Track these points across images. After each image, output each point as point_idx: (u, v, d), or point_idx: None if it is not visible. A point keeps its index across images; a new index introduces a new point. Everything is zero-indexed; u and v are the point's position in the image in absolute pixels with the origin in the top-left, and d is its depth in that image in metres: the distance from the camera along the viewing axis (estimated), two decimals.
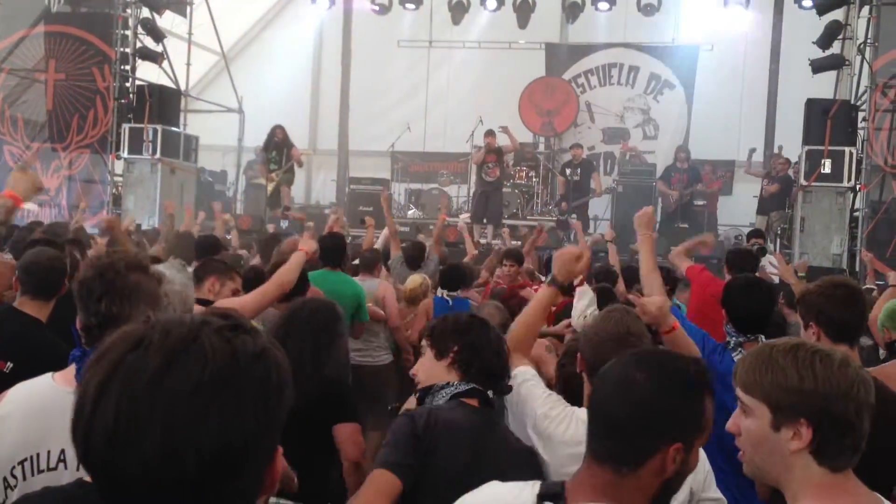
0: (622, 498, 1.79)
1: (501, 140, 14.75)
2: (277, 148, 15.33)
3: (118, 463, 1.11)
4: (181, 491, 1.12)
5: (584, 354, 2.94)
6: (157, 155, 14.19)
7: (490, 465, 2.51)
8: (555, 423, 2.83)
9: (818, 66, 13.32)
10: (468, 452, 2.69)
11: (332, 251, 6.76)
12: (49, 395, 2.35)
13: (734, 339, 3.98)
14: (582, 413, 2.82)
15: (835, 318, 3.04)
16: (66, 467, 2.26)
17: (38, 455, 2.27)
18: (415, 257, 8.58)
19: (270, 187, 15.57)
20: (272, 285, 4.47)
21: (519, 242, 14.61)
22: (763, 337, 3.92)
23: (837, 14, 13.45)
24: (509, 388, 2.96)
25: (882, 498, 1.93)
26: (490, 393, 2.92)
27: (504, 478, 2.00)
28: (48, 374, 2.45)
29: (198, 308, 4.17)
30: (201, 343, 1.15)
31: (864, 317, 3.12)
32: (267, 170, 15.57)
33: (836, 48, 13.26)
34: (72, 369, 2.38)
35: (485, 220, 14.73)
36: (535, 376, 3.06)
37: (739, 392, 1.94)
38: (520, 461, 2.73)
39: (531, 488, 1.89)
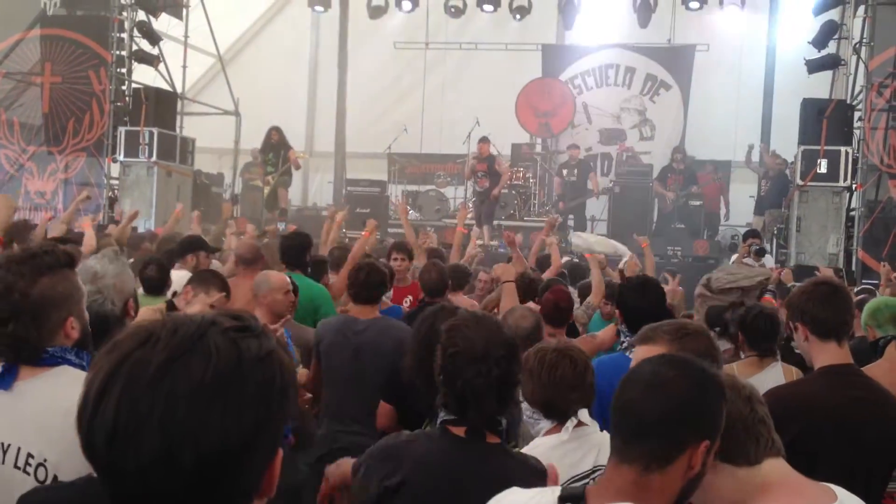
0: (645, 498, 1.79)
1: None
2: (274, 150, 15.33)
3: (117, 461, 1.12)
4: (178, 490, 1.12)
5: None
6: (154, 158, 14.16)
7: None
8: None
9: (814, 66, 13.34)
10: (441, 493, 2.49)
11: (294, 251, 6.49)
12: None
13: (627, 338, 4.12)
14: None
15: (819, 317, 3.06)
16: None
17: None
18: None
19: (267, 189, 15.57)
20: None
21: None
22: None
23: (833, 14, 13.47)
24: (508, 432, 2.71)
25: (831, 486, 1.99)
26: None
27: None
28: None
29: None
30: (206, 342, 1.16)
31: (849, 313, 3.13)
32: (264, 172, 15.58)
33: (831, 48, 13.28)
34: None
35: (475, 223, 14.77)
36: None
37: None
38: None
39: (551, 493, 1.90)
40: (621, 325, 4.36)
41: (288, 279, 5.22)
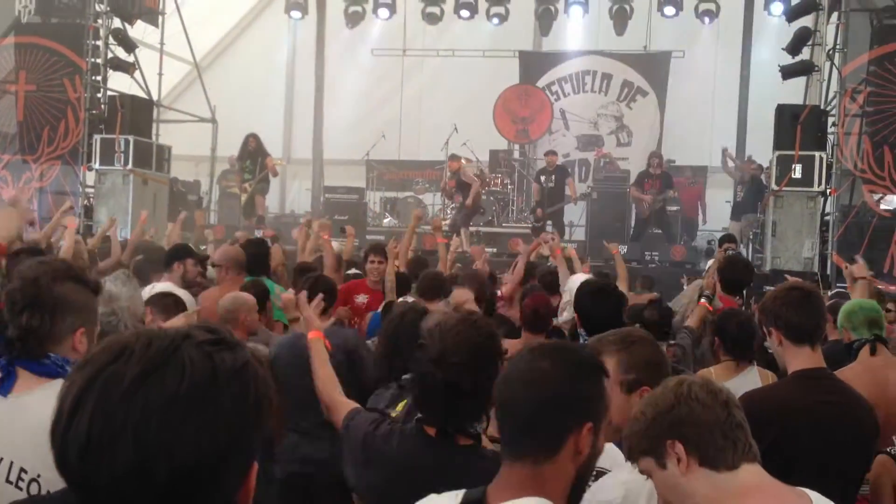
0: (542, 490, 1.82)
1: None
2: (251, 157, 15.28)
3: (91, 475, 1.11)
4: (152, 502, 1.12)
5: None
6: (130, 166, 14.07)
7: None
8: None
9: (788, 72, 13.45)
10: (400, 491, 2.45)
11: (259, 258, 6.44)
12: None
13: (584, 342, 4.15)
14: None
15: (792, 321, 3.09)
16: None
17: None
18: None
19: (244, 197, 15.52)
20: None
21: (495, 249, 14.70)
22: None
23: (807, 21, 13.59)
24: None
25: (806, 491, 2.01)
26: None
27: None
28: None
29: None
30: (181, 356, 1.15)
31: (822, 317, 3.16)
32: (241, 179, 15.52)
33: (805, 54, 13.40)
34: None
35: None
36: None
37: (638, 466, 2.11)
38: None
39: (455, 497, 1.92)
40: (580, 329, 4.40)
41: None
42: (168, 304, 4.50)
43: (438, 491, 2.02)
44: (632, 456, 2.10)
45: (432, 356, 2.50)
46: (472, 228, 15.68)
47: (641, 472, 2.08)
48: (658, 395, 2.07)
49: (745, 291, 6.64)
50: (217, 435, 1.14)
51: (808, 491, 2.02)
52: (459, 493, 1.93)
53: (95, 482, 1.11)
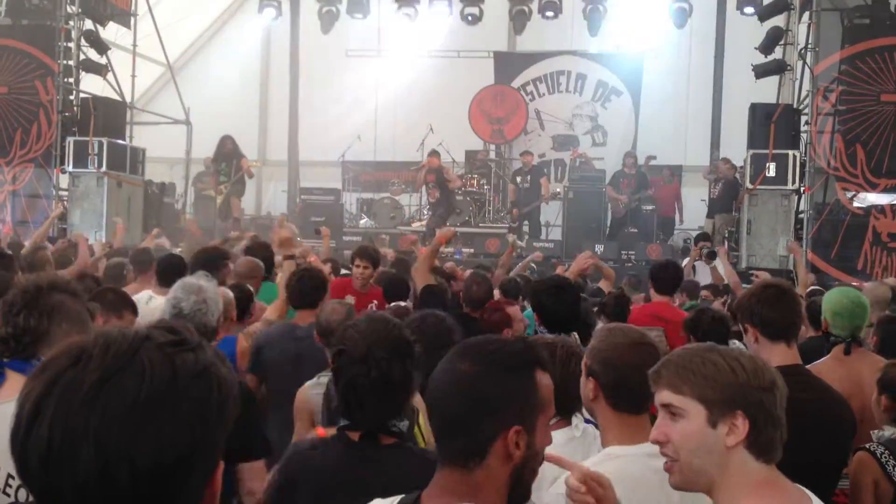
0: (476, 495, 1.76)
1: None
2: (227, 159, 15.22)
3: (52, 482, 1.10)
4: None
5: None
6: (103, 168, 13.96)
7: None
8: None
9: (761, 72, 13.57)
10: (338, 499, 2.47)
11: (264, 262, 6.53)
12: None
13: None
14: None
15: (767, 318, 3.12)
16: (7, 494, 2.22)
17: None
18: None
19: (220, 199, 15.44)
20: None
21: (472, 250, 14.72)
22: (576, 334, 4.26)
23: (779, 20, 13.71)
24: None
25: (805, 490, 1.99)
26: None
27: None
28: None
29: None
30: (140, 359, 1.14)
31: (797, 315, 3.19)
32: (216, 181, 15.45)
33: (777, 53, 13.52)
34: None
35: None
36: None
37: (666, 395, 1.96)
38: None
39: (389, 501, 1.90)
40: (539, 327, 4.46)
41: None
42: (117, 301, 4.30)
43: (371, 494, 1.99)
44: (680, 389, 1.95)
45: (358, 356, 2.54)
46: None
47: (664, 405, 1.97)
48: (761, 367, 1.96)
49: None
50: (179, 438, 1.12)
51: (807, 491, 2.01)
52: (395, 499, 1.90)
53: (58, 489, 1.10)
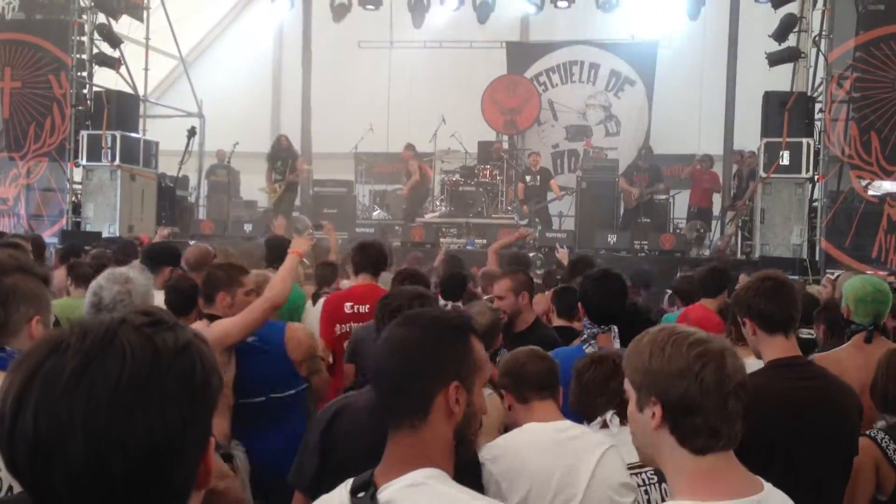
0: (425, 454, 1.88)
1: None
2: (283, 157, 15.29)
3: (44, 473, 1.09)
4: (111, 495, 1.10)
5: None
6: (117, 162, 14.04)
7: None
8: None
9: (775, 59, 13.46)
10: (371, 438, 2.54)
11: (280, 250, 6.46)
12: None
13: (588, 331, 4.15)
14: None
15: (764, 311, 3.09)
16: None
17: None
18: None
19: (274, 198, 15.55)
20: (263, 303, 4.25)
21: (484, 241, 14.68)
22: (616, 328, 4.12)
23: (792, 7, 13.59)
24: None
25: (762, 480, 1.96)
26: None
27: None
28: None
29: (202, 324, 4.27)
30: (119, 342, 1.13)
31: (794, 307, 3.15)
32: (272, 179, 15.51)
33: (791, 41, 13.40)
34: None
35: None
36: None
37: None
38: None
39: (344, 486, 1.95)
40: (584, 319, 4.32)
41: None
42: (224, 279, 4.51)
43: None
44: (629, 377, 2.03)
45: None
46: (461, 220, 15.67)
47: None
48: (673, 354, 1.90)
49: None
50: (168, 417, 1.12)
51: (760, 479, 1.96)
52: (348, 483, 1.95)
53: (50, 479, 1.09)
